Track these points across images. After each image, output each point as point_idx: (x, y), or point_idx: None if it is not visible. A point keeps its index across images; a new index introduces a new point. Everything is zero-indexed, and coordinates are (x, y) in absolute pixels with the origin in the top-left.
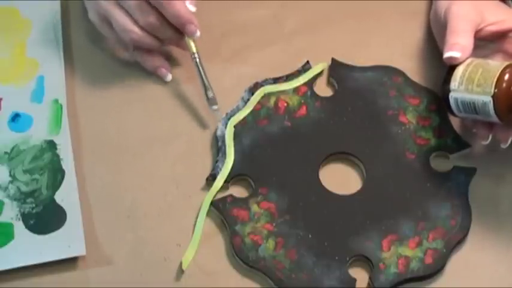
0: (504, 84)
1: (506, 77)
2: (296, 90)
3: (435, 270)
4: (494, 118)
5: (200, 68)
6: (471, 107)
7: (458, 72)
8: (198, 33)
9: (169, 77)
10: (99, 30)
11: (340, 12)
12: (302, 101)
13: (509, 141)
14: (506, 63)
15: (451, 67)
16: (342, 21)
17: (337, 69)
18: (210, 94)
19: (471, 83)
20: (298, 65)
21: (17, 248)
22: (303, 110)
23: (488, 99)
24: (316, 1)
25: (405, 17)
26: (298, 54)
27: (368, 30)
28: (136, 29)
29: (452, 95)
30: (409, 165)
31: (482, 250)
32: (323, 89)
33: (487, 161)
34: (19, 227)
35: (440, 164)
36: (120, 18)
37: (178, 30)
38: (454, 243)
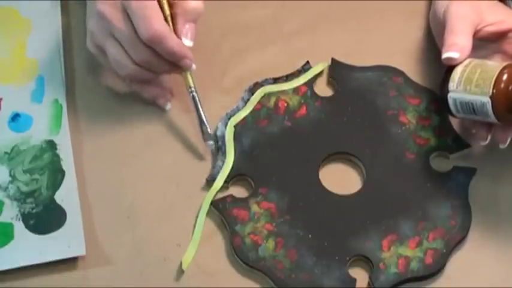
0: (502, 85)
1: (505, 77)
2: (296, 90)
3: (435, 270)
4: (493, 119)
5: (197, 102)
6: (470, 108)
7: (457, 72)
8: (194, 67)
9: (168, 106)
10: (97, 59)
11: (340, 12)
12: (302, 101)
13: (507, 142)
14: (505, 63)
15: (449, 67)
16: (342, 21)
17: (337, 69)
18: (206, 129)
19: (469, 84)
20: (298, 65)
21: (17, 248)
22: (303, 110)
23: (487, 99)
24: (316, 1)
25: (405, 17)
26: (298, 54)
27: (368, 30)
28: (130, 63)
29: (450, 96)
30: (409, 165)
31: (482, 250)
32: (323, 89)
33: (487, 161)
34: (19, 227)
35: (440, 164)
36: (114, 50)
37: (173, 63)
38: (454, 243)
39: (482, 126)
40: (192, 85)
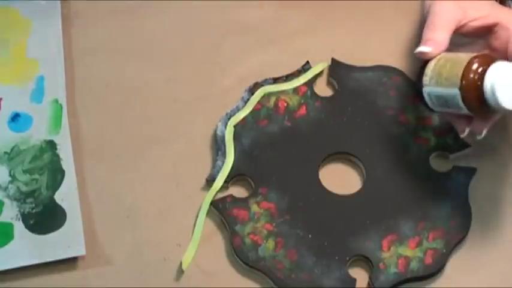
0: (471, 75)
1: (474, 67)
2: (296, 90)
3: (435, 270)
4: (465, 110)
5: None
6: (443, 101)
7: (430, 66)
8: None
9: None
10: None
11: (340, 12)
12: (302, 101)
13: (483, 133)
14: (473, 54)
15: (424, 62)
16: (342, 21)
17: (337, 69)
18: None
19: (440, 77)
20: (298, 65)
21: (17, 248)
22: (303, 110)
23: (456, 91)
24: (316, 1)
25: (405, 17)
26: (298, 54)
27: (368, 30)
28: None
29: (425, 90)
30: (409, 165)
31: (482, 250)
32: (323, 89)
33: (487, 161)
34: (19, 227)
35: (440, 164)
36: None
37: None
38: (454, 243)
39: (459, 119)
40: None
